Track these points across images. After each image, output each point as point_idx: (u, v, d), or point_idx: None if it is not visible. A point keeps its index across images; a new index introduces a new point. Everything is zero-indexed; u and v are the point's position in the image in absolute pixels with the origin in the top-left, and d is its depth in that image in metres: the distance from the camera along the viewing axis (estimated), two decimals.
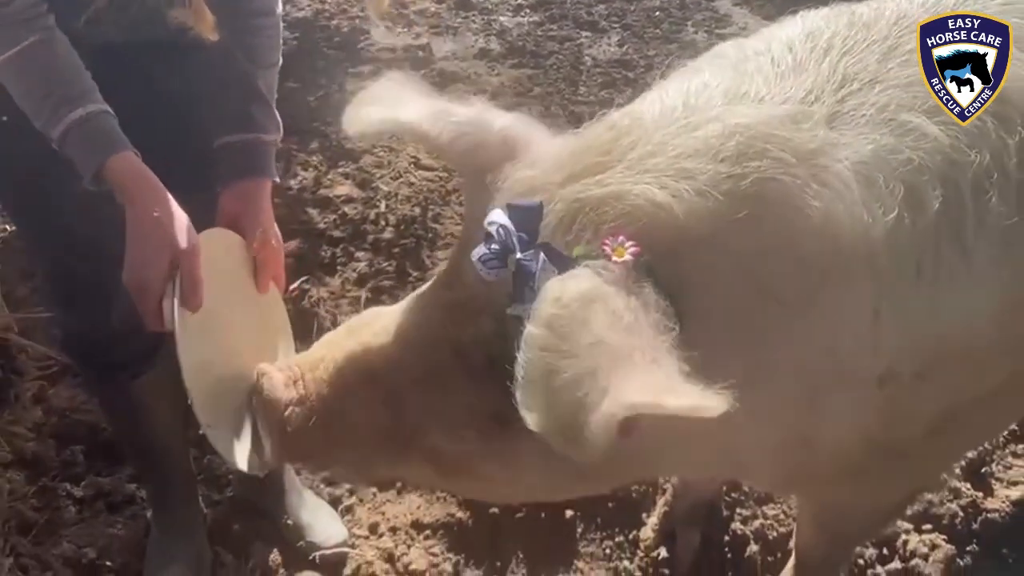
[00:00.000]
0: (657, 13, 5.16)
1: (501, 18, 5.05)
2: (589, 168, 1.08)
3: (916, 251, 1.14)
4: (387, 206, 3.28)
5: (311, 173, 3.41)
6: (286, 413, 1.21)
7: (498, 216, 1.04)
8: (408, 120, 1.19)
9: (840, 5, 1.32)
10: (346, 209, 3.24)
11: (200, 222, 1.39)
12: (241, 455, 1.31)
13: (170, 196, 1.34)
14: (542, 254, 1.00)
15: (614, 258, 0.98)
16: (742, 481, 1.64)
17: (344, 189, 3.36)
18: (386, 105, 1.23)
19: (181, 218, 1.33)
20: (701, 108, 1.14)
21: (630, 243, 0.99)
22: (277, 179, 1.61)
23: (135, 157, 1.35)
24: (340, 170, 3.47)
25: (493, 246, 1.03)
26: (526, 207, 1.05)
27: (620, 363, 0.88)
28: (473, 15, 5.03)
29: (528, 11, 5.13)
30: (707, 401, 0.86)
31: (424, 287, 1.29)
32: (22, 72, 1.30)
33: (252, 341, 1.45)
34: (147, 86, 1.54)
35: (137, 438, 1.93)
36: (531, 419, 0.90)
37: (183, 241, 1.31)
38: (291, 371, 1.25)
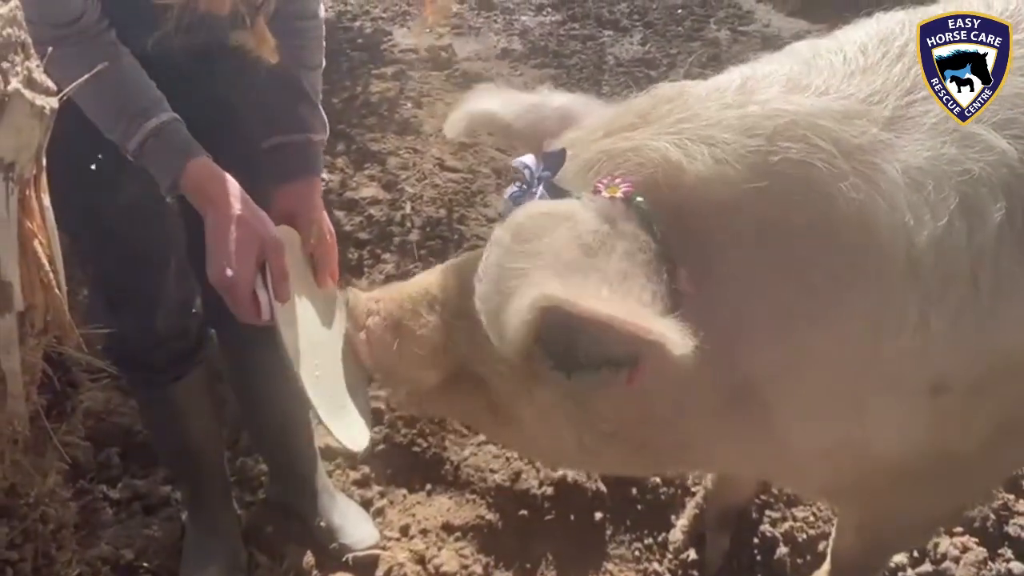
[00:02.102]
0: (679, 11, 5.15)
1: (523, 18, 5.06)
2: (623, 127, 1.15)
3: (972, 261, 1.13)
4: (413, 208, 3.30)
5: (337, 176, 3.44)
6: (366, 321, 1.36)
7: (528, 159, 1.15)
8: (485, 109, 1.34)
9: (913, 9, 1.30)
10: (372, 211, 3.26)
11: None
12: (344, 433, 1.40)
13: (247, 195, 1.38)
14: (542, 187, 1.12)
15: (604, 194, 1.07)
16: (793, 487, 1.65)
17: (370, 191, 3.38)
18: (476, 103, 1.38)
19: (262, 214, 1.37)
20: (754, 91, 1.15)
21: (625, 184, 1.07)
22: (324, 175, 1.64)
23: (210, 161, 1.39)
24: (366, 172, 3.49)
25: (521, 184, 1.14)
26: (551, 152, 1.15)
27: (561, 269, 0.96)
28: (495, 15, 5.04)
29: (550, 10, 5.14)
30: (669, 332, 0.91)
31: None
32: (94, 87, 1.33)
33: (323, 330, 1.51)
34: (198, 91, 1.57)
35: (174, 440, 1.96)
36: (479, 306, 1.01)
37: (268, 235, 1.35)
38: (371, 297, 1.40)
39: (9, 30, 0.74)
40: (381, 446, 2.34)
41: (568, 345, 1.08)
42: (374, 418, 2.38)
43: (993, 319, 1.16)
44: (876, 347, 1.15)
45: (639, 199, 1.06)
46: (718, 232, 1.10)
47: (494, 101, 1.35)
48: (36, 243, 0.86)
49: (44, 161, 0.86)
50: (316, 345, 1.45)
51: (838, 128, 1.10)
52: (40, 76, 0.79)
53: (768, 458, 1.31)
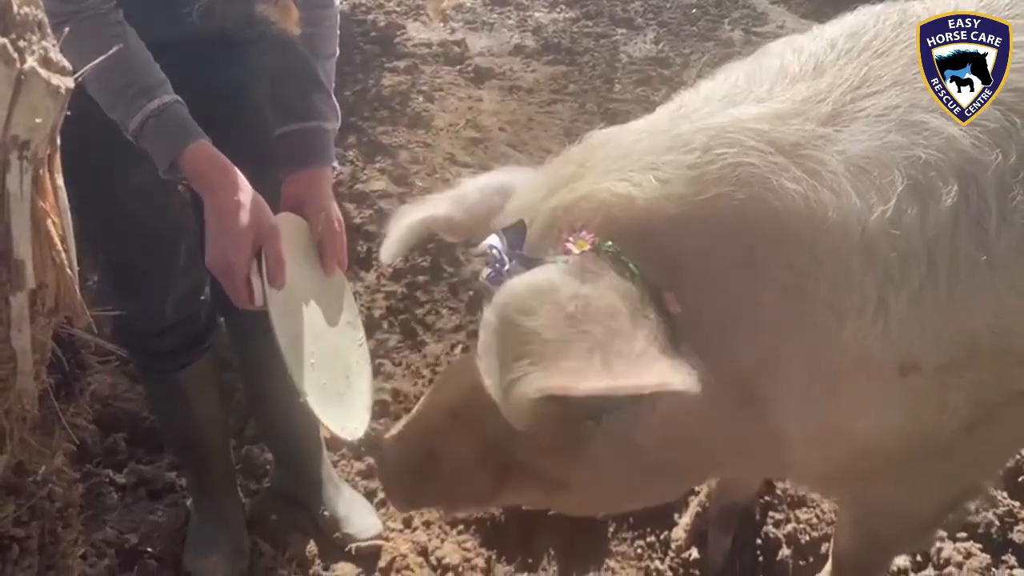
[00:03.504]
0: (694, 10, 5.14)
1: (536, 14, 5.06)
2: (564, 179, 1.18)
3: (927, 243, 1.15)
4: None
5: (347, 168, 3.44)
6: (387, 458, 1.37)
7: (492, 240, 1.16)
8: (421, 217, 1.35)
9: (894, 3, 1.32)
10: (382, 204, 3.26)
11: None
12: (334, 421, 1.40)
13: (246, 181, 1.39)
14: (515, 262, 1.12)
15: (574, 251, 1.08)
16: (790, 479, 1.67)
17: (380, 184, 3.38)
18: (409, 216, 1.38)
19: (260, 201, 1.38)
20: (689, 113, 1.20)
21: (588, 234, 1.08)
22: (336, 166, 1.64)
23: (210, 145, 1.39)
24: (376, 165, 3.50)
25: (496, 265, 1.15)
26: (511, 227, 1.17)
27: (552, 349, 0.99)
28: (509, 11, 5.04)
29: (564, 7, 5.14)
30: (667, 375, 0.96)
31: None
32: (99, 65, 1.34)
33: (325, 318, 1.52)
34: (211, 77, 1.58)
35: (181, 426, 1.97)
36: (487, 386, 1.03)
37: (265, 221, 1.36)
38: (390, 436, 1.40)
39: (26, 9, 0.74)
40: None
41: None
42: (379, 410, 2.39)
43: (952, 300, 1.17)
44: (840, 331, 1.17)
45: (607, 244, 1.09)
46: (680, 248, 1.12)
47: (426, 208, 1.36)
48: (49, 223, 0.87)
49: (59, 141, 0.87)
50: (318, 333, 1.45)
51: (771, 128, 1.14)
52: (56, 55, 0.79)
53: (770, 452, 1.32)
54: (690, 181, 1.11)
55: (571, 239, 1.09)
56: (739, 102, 1.20)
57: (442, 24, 4.66)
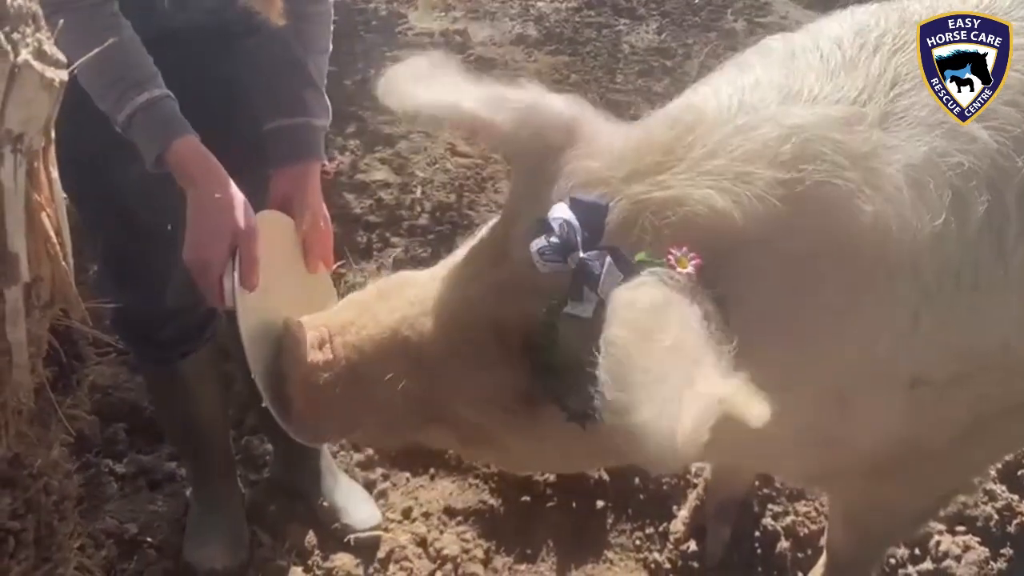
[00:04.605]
0: (696, 1, 5.11)
1: (539, 4, 5.03)
2: (651, 167, 1.09)
3: (958, 258, 1.14)
4: (423, 192, 3.30)
5: (348, 158, 3.44)
6: (312, 376, 1.22)
7: (562, 211, 1.04)
8: (467, 108, 1.19)
9: (890, 2, 1.31)
10: (382, 194, 3.26)
11: (252, 204, 1.42)
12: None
13: (229, 178, 1.38)
14: (608, 257, 1.01)
15: (678, 268, 1.00)
16: (770, 473, 1.65)
17: (380, 174, 3.38)
18: (437, 88, 1.23)
19: (240, 200, 1.37)
20: (756, 107, 1.14)
21: (692, 255, 1.01)
22: (326, 163, 1.63)
23: (197, 141, 1.38)
24: (376, 155, 3.49)
25: (554, 240, 1.03)
26: (591, 204, 1.05)
27: (698, 369, 0.88)
28: (511, 1, 5.01)
29: None
30: (755, 409, 0.87)
31: (461, 256, 1.27)
32: (92, 57, 1.33)
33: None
34: (202, 72, 1.57)
35: (181, 417, 1.98)
36: (614, 419, 0.88)
37: (242, 222, 1.34)
38: (319, 332, 1.25)
39: (20, 1, 0.74)
40: None
41: (580, 401, 1.04)
42: None
43: (971, 314, 1.17)
44: (874, 347, 1.15)
45: (710, 285, 1.01)
46: (761, 270, 1.07)
47: (468, 96, 1.20)
48: (43, 216, 0.86)
49: (53, 133, 0.86)
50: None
51: (845, 139, 1.10)
52: (51, 48, 0.78)
53: (745, 447, 1.31)
54: (782, 200, 1.05)
55: (675, 253, 1.01)
56: (793, 98, 1.15)
57: (435, 11, 4.62)
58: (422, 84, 1.25)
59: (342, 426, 1.31)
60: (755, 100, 1.15)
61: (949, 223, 1.11)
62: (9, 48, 0.73)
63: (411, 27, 4.58)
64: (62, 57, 0.81)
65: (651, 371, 0.88)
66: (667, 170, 1.08)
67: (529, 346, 1.11)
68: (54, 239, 0.88)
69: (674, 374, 0.87)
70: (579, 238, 1.02)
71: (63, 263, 0.90)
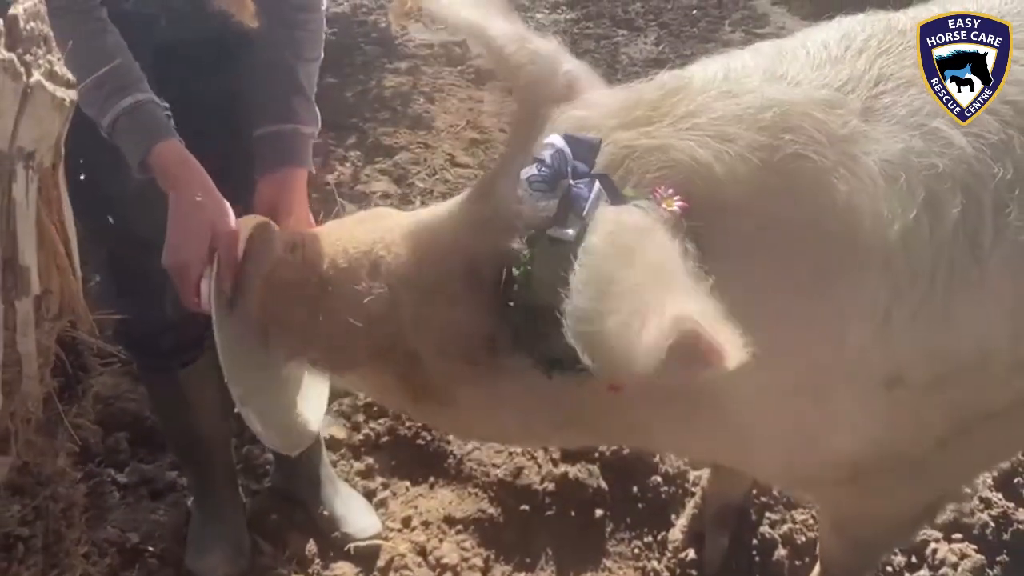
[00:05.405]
0: (694, 12, 5.15)
1: (538, 15, 5.07)
2: (638, 119, 1.13)
3: (931, 258, 1.15)
4: (423, 203, 3.31)
5: (348, 168, 3.46)
6: (277, 274, 1.19)
7: (557, 140, 1.06)
8: (493, 33, 1.23)
9: (877, 12, 1.34)
10: (382, 205, 3.28)
11: (239, 210, 1.43)
12: (273, 432, 1.36)
13: (212, 183, 1.39)
14: (597, 184, 1.03)
15: (663, 206, 1.03)
16: (745, 471, 1.61)
17: (380, 185, 3.40)
18: (472, 10, 1.27)
19: (222, 204, 1.37)
20: (740, 80, 1.18)
21: (678, 197, 1.03)
22: (313, 170, 1.64)
23: (180, 144, 1.40)
24: (377, 166, 3.51)
25: (544, 169, 1.04)
26: (585, 140, 1.07)
27: (673, 287, 0.88)
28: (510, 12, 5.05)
29: (565, 8, 5.15)
30: (726, 337, 0.84)
31: (444, 203, 1.29)
32: (77, 61, 1.35)
33: None
34: (193, 79, 1.59)
35: (182, 426, 1.99)
36: (579, 326, 0.87)
37: (222, 225, 1.35)
38: (292, 237, 1.24)
39: (32, 24, 0.76)
40: (385, 438, 2.36)
41: (550, 346, 1.03)
42: (378, 411, 2.41)
43: (945, 317, 1.18)
44: (843, 339, 1.17)
45: (690, 221, 1.03)
46: (728, 231, 1.09)
47: (499, 24, 1.25)
48: (53, 230, 0.89)
49: (63, 150, 0.89)
50: None
51: (826, 118, 1.13)
52: (61, 69, 0.81)
53: (724, 445, 1.32)
54: (761, 164, 1.09)
55: (661, 192, 1.04)
56: (776, 80, 1.18)
57: (401, 28, 4.64)
58: (462, 1, 1.29)
59: (295, 339, 1.25)
60: (740, 76, 1.19)
61: (921, 221, 1.13)
62: (23, 70, 0.76)
63: (411, 39, 4.61)
64: (72, 77, 0.84)
65: (623, 283, 0.87)
66: (653, 123, 1.12)
67: (503, 281, 1.10)
68: (63, 252, 0.90)
69: (646, 291, 0.86)
70: (569, 168, 1.04)
71: (72, 276, 0.93)
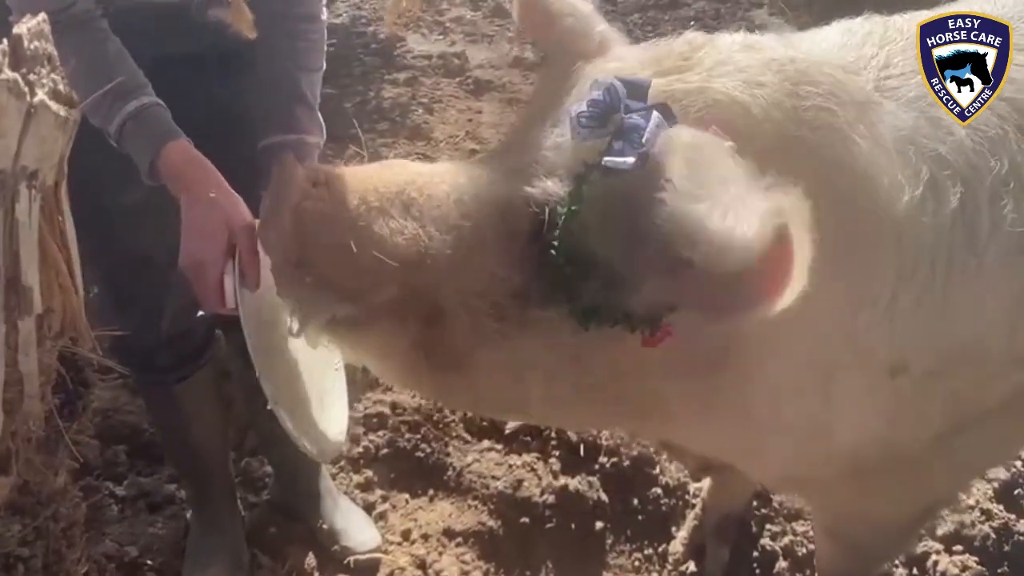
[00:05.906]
0: (692, 23, 5.16)
1: None
2: (671, 69, 1.14)
3: (932, 244, 1.16)
4: None
5: None
6: (306, 206, 1.11)
7: (607, 79, 1.04)
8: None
9: (875, 16, 1.35)
10: None
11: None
12: (304, 434, 1.32)
13: (223, 178, 1.37)
14: (655, 112, 1.01)
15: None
16: (750, 472, 1.59)
17: None
18: None
19: (235, 199, 1.35)
20: (760, 41, 1.19)
21: (727, 141, 1.01)
22: None
23: (189, 145, 1.39)
24: None
25: (594, 108, 1.03)
26: (636, 80, 1.07)
27: (751, 193, 0.90)
28: (508, 23, 5.06)
29: None
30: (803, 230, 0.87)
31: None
32: (79, 71, 1.35)
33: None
34: (198, 93, 1.59)
35: (181, 440, 1.99)
36: (683, 202, 0.90)
37: (238, 220, 1.32)
38: (319, 172, 1.16)
39: (36, 43, 0.76)
40: (385, 451, 2.36)
41: (590, 291, 1.02)
42: (377, 423, 2.40)
43: (945, 305, 1.19)
44: (853, 320, 1.17)
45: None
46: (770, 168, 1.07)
47: None
48: (56, 248, 0.89)
49: (65, 169, 0.89)
50: (293, 349, 1.40)
51: (844, 79, 1.15)
52: (64, 88, 0.81)
53: (733, 431, 1.31)
54: (791, 110, 1.10)
55: (714, 129, 1.04)
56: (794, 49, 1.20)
57: (398, 38, 4.66)
58: None
59: (322, 274, 1.14)
60: (759, 42, 1.19)
61: (926, 200, 1.14)
62: (26, 89, 0.76)
63: (410, 50, 4.62)
64: (74, 96, 0.84)
65: (719, 172, 0.91)
66: (684, 71, 1.13)
67: (544, 225, 1.06)
68: (66, 271, 0.90)
69: (739, 185, 0.90)
70: (623, 105, 1.02)
71: (74, 295, 0.92)
